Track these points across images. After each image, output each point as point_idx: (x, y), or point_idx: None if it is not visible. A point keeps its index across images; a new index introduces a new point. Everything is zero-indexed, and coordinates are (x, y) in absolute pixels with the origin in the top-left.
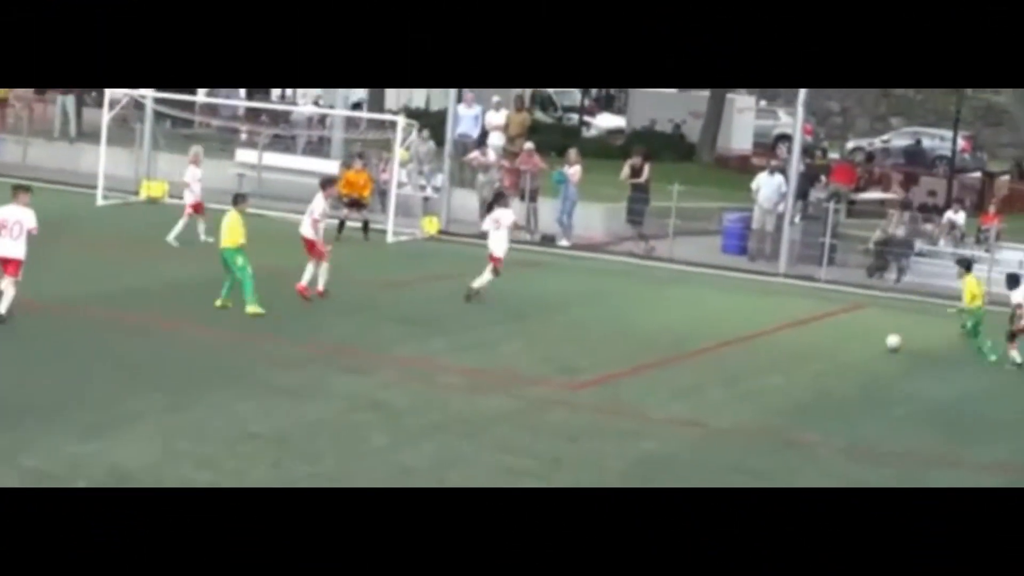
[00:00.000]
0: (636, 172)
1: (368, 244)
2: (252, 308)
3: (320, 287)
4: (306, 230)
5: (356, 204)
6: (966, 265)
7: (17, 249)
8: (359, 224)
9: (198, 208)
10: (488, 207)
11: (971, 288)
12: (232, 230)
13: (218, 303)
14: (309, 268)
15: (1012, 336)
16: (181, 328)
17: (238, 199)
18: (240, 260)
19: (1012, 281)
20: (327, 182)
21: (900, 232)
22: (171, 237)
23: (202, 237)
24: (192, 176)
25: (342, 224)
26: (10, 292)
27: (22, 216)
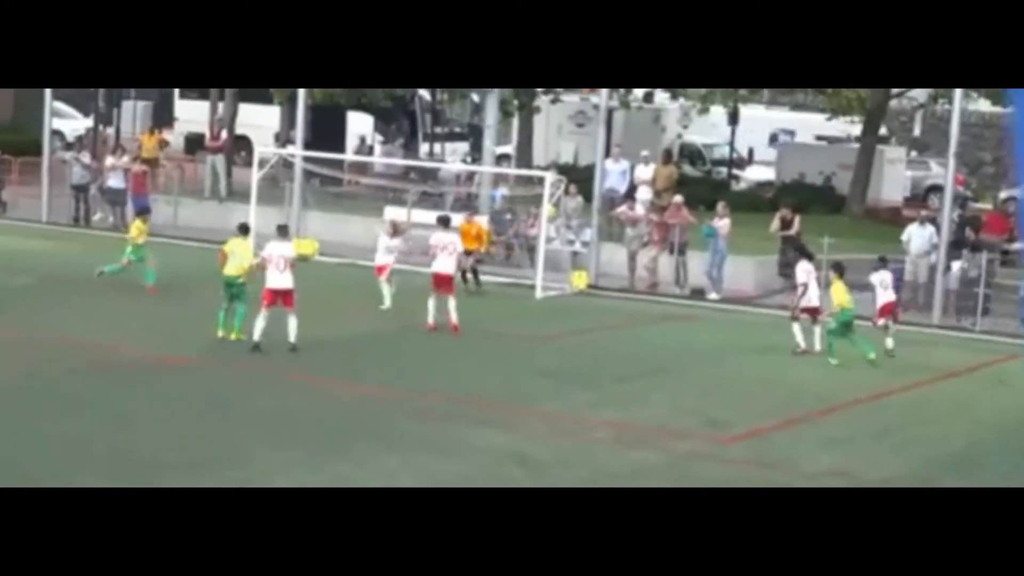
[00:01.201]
0: (786, 224)
1: (517, 299)
2: (223, 332)
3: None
4: (447, 267)
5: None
6: (839, 271)
7: (287, 280)
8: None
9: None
10: (783, 268)
11: (838, 293)
12: (242, 259)
13: (232, 336)
14: (451, 306)
15: (794, 318)
16: (324, 383)
17: (244, 229)
18: (241, 287)
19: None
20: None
21: None
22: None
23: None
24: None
25: (464, 275)
26: (294, 322)
27: (284, 251)
